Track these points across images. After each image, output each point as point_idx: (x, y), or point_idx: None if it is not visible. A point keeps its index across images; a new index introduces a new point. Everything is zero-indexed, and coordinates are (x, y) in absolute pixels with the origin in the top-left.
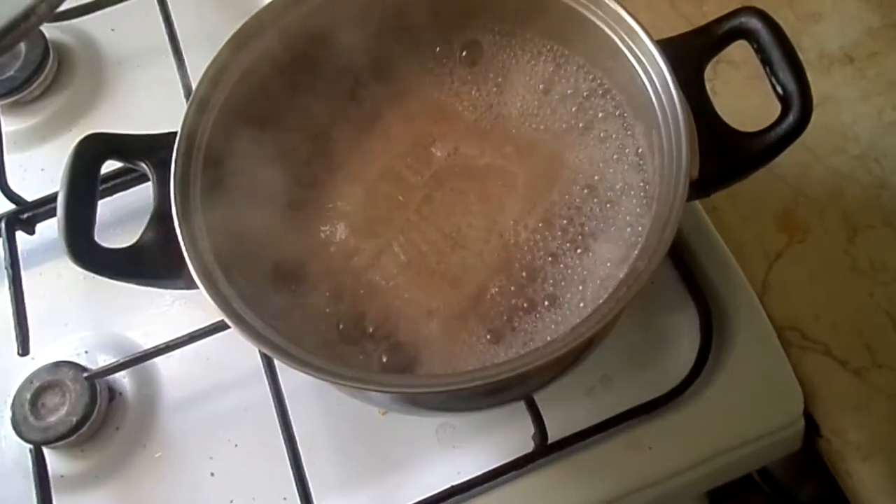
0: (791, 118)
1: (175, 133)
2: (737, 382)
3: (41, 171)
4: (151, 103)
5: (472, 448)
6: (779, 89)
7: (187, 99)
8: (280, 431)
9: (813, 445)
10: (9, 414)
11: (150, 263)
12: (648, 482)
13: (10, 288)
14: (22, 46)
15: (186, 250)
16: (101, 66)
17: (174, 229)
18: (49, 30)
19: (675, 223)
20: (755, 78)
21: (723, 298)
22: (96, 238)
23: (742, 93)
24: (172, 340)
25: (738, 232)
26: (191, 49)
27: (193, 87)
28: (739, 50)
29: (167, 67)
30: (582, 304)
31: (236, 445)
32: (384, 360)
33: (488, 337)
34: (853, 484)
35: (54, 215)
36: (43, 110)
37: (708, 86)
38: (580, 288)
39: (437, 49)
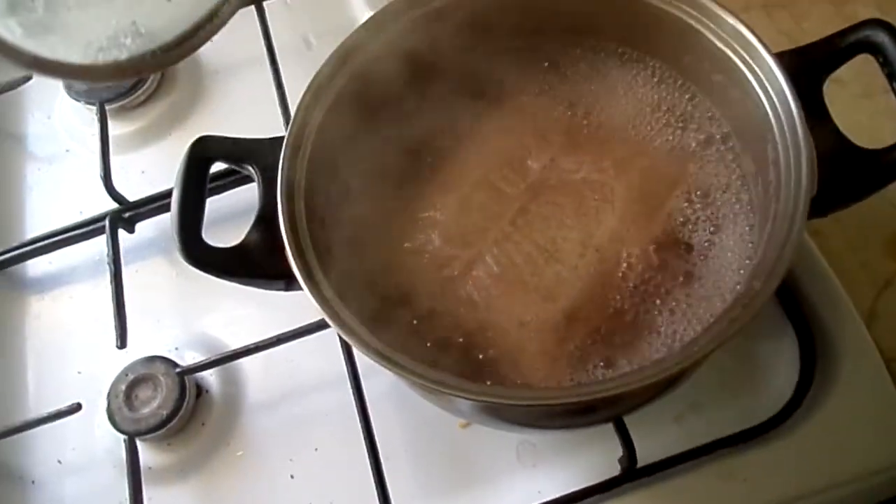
0: None
1: (281, 138)
2: (841, 415)
3: (141, 173)
4: (247, 112)
5: (553, 468)
6: None
7: (282, 107)
8: (362, 438)
9: None
10: (104, 404)
11: (254, 264)
12: None
13: (111, 282)
14: None
15: (291, 252)
16: (200, 76)
17: (278, 231)
18: None
19: (795, 242)
20: (862, 97)
21: (826, 326)
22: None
23: (848, 112)
24: (260, 341)
25: (843, 258)
26: (287, 60)
27: (289, 96)
28: (848, 68)
29: (263, 78)
30: (683, 328)
31: (316, 449)
32: (472, 369)
33: (580, 354)
34: None
35: (153, 215)
36: (145, 116)
37: None
38: (679, 309)
39: (545, 65)
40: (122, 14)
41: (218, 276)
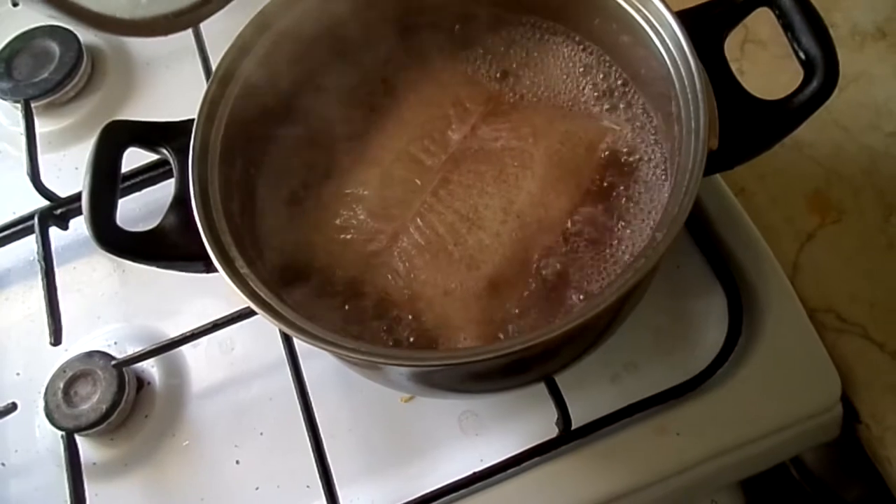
0: (815, 83)
1: (194, 120)
2: (768, 367)
3: (75, 169)
4: (180, 102)
5: (495, 435)
6: (801, 55)
7: None
8: (303, 420)
9: (854, 435)
10: (42, 403)
11: (171, 246)
12: (677, 469)
13: (43, 279)
14: (56, 49)
15: (203, 231)
16: (131, 68)
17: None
18: (83, 33)
19: (693, 192)
20: (783, 57)
21: (751, 280)
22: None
23: (770, 73)
24: (196, 328)
25: (767, 214)
26: (216, 50)
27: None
28: (767, 28)
29: (194, 67)
30: (602, 282)
31: (261, 434)
32: (402, 340)
33: (505, 318)
34: (894, 471)
35: None
36: (77, 111)
37: (735, 66)
38: (599, 267)
39: (455, 30)
40: None
41: (135, 260)
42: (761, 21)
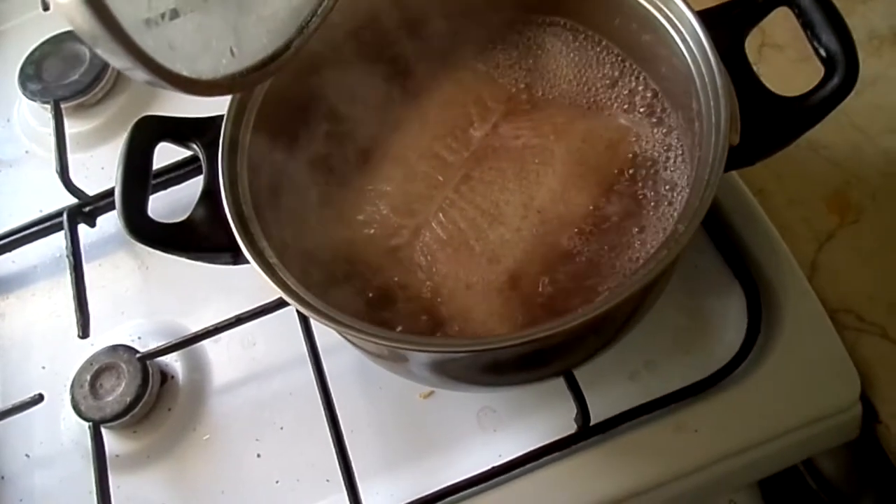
0: (836, 79)
1: (223, 115)
2: (787, 365)
3: (101, 169)
4: (207, 105)
5: (513, 431)
6: (822, 52)
7: None
8: (324, 414)
9: (872, 442)
10: (68, 396)
11: (201, 237)
12: (695, 466)
13: (71, 274)
14: (87, 52)
15: (233, 220)
16: None
17: (223, 205)
18: None
19: (714, 185)
20: (800, 61)
21: (770, 279)
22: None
23: (787, 76)
24: (220, 322)
25: (786, 214)
26: None
27: None
28: (783, 32)
29: None
30: (622, 277)
31: (282, 428)
32: (424, 333)
33: (526, 311)
34: None
35: (114, 209)
36: (104, 112)
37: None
38: (619, 262)
39: (483, 38)
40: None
41: (165, 250)
42: (778, 25)
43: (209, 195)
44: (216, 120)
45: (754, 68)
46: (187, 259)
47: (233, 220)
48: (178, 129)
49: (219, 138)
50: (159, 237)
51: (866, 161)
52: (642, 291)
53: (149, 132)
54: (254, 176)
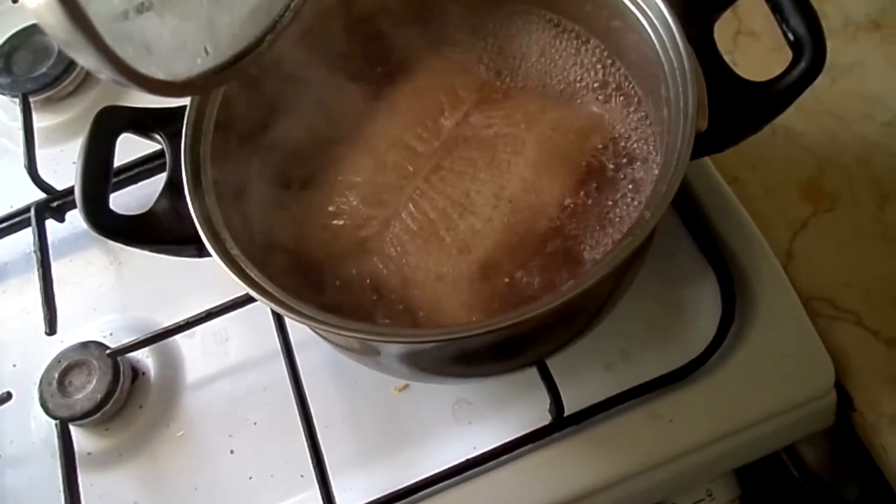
0: (803, 63)
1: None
2: (762, 354)
3: (72, 164)
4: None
5: (488, 424)
6: (790, 35)
7: None
8: (297, 410)
9: (848, 424)
10: (37, 393)
11: (163, 230)
12: (670, 456)
13: (38, 269)
14: (55, 44)
15: (194, 212)
16: None
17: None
18: None
19: (681, 170)
20: (776, 49)
21: (744, 267)
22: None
23: (763, 64)
24: (191, 317)
25: (760, 202)
26: None
27: None
28: (759, 19)
29: None
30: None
31: (255, 424)
32: (394, 324)
33: (497, 302)
34: (888, 459)
35: None
36: (75, 106)
37: (728, 58)
38: (591, 249)
39: (453, 26)
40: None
41: (127, 243)
42: (754, 12)
43: (172, 186)
44: (180, 110)
45: (730, 57)
46: (151, 252)
47: (195, 211)
48: (142, 120)
49: (182, 129)
50: (120, 230)
51: (842, 148)
52: (610, 279)
53: (111, 123)
54: (218, 167)
